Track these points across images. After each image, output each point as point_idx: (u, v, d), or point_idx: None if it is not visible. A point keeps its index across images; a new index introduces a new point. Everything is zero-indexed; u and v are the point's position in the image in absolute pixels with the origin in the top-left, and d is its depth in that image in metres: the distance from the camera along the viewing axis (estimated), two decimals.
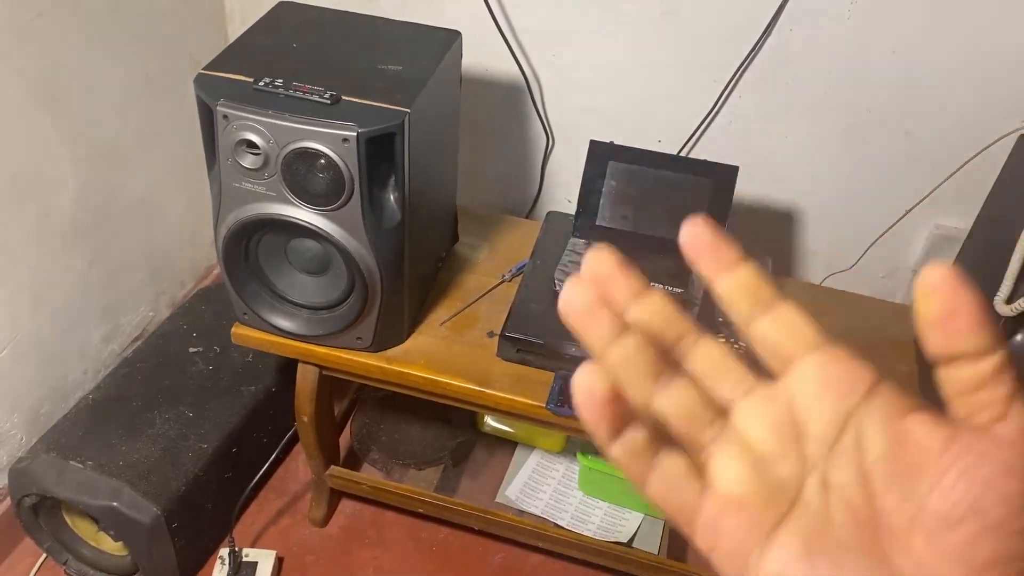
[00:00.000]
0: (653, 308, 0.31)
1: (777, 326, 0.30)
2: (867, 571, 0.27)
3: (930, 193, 1.44)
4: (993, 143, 1.35)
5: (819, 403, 0.29)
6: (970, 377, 0.27)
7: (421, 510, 1.45)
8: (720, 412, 0.30)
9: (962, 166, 1.39)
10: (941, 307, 0.27)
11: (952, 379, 0.27)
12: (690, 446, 0.30)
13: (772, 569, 0.28)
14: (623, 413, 0.30)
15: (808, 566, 0.28)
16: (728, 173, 1.27)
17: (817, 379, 0.29)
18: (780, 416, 0.30)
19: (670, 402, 0.30)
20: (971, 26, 1.29)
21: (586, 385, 0.29)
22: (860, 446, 0.28)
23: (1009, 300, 0.99)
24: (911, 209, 1.46)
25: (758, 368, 0.31)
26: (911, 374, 1.31)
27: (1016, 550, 0.26)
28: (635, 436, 0.30)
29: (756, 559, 0.29)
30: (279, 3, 1.27)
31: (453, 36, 1.23)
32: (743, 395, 0.30)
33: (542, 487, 1.50)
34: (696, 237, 0.30)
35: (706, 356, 0.31)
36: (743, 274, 0.30)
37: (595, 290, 0.30)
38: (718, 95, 1.46)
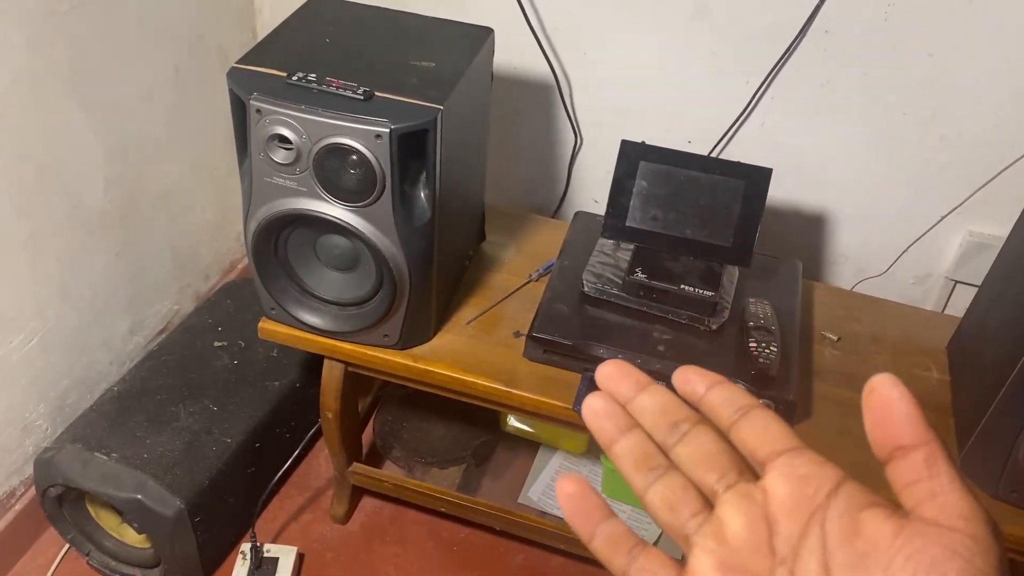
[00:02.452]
0: (658, 398, 0.36)
1: (754, 430, 0.34)
2: None
3: (965, 200, 1.42)
4: None
5: (788, 502, 0.32)
6: (909, 469, 0.31)
7: (442, 509, 1.44)
8: (705, 502, 0.34)
9: (999, 173, 1.37)
10: (878, 405, 0.31)
11: (895, 473, 0.31)
12: (674, 534, 0.34)
13: None
14: (599, 509, 0.34)
15: None
16: (761, 175, 1.25)
17: (788, 480, 0.33)
18: (755, 512, 0.33)
19: (656, 495, 0.34)
20: (1009, 29, 1.27)
21: (568, 490, 0.35)
22: (823, 540, 0.31)
23: None
24: (945, 216, 1.44)
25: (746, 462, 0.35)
26: (942, 381, 1.29)
27: None
28: (611, 531, 0.34)
29: None
30: None
31: (485, 33, 1.22)
32: (725, 488, 0.34)
33: None
34: (685, 376, 0.36)
35: (700, 445, 0.34)
36: (726, 389, 0.35)
37: (611, 399, 0.36)
38: (750, 96, 1.44)
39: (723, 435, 0.35)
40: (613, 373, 0.36)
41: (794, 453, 0.33)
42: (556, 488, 0.35)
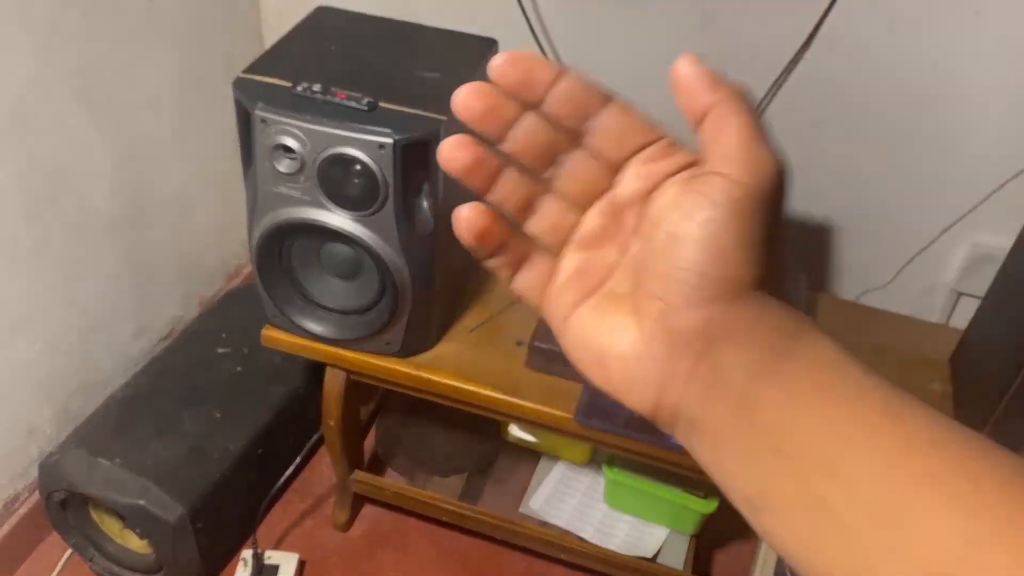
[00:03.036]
0: (533, 122, 0.35)
1: (613, 124, 0.36)
2: (621, 306, 0.35)
3: (969, 211, 1.41)
4: None
5: (637, 191, 0.35)
6: (704, 130, 0.32)
7: (444, 518, 1.44)
8: (579, 214, 0.37)
9: (1003, 184, 1.37)
10: (678, 80, 0.33)
11: (699, 140, 0.33)
12: (553, 247, 0.37)
13: (572, 320, 0.36)
14: (497, 237, 0.37)
15: (590, 311, 0.36)
16: None
17: (638, 172, 0.35)
18: (613, 211, 0.36)
19: (544, 222, 0.37)
20: (1014, 41, 1.26)
21: (465, 214, 0.36)
22: (641, 221, 0.35)
23: None
24: (949, 227, 1.44)
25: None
26: (945, 393, 1.28)
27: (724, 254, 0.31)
28: (504, 257, 0.37)
29: (567, 316, 0.36)
30: (317, 8, 1.28)
31: (489, 44, 1.23)
32: (595, 196, 0.37)
33: (566, 499, 1.49)
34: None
35: (574, 162, 0.36)
36: (575, 84, 0.35)
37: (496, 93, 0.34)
38: (755, 107, 1.44)
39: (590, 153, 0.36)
40: (503, 70, 0.35)
41: (653, 144, 0.35)
42: (455, 214, 0.37)
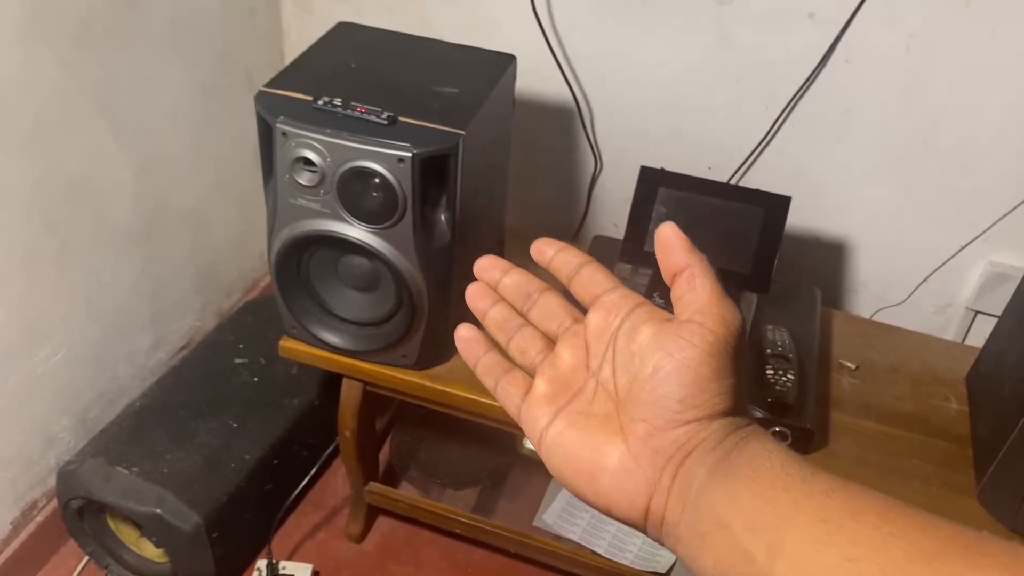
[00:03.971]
0: (516, 278, 0.47)
1: (584, 281, 0.44)
2: (604, 427, 0.41)
3: (986, 230, 1.41)
4: None
5: (597, 328, 0.43)
6: (678, 287, 0.40)
7: (457, 530, 1.44)
8: (549, 344, 0.46)
9: (1020, 204, 1.37)
10: (660, 242, 0.41)
11: (673, 294, 0.41)
12: (527, 369, 0.46)
13: (550, 432, 0.42)
14: (483, 349, 0.46)
15: (569, 427, 0.42)
16: (781, 203, 1.26)
17: (598, 312, 0.43)
18: (579, 343, 0.44)
19: (514, 346, 0.46)
20: None
21: (463, 334, 0.47)
22: (614, 350, 0.42)
23: None
24: (965, 245, 1.44)
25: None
26: (961, 412, 1.28)
27: (694, 396, 0.38)
28: (488, 361, 0.46)
29: (545, 428, 0.43)
30: (338, 24, 1.29)
31: (508, 60, 1.24)
32: (563, 332, 0.45)
33: (580, 512, 1.49)
34: (538, 247, 0.47)
35: (545, 306, 0.46)
36: (567, 253, 0.46)
37: (483, 284, 0.48)
38: (770, 124, 1.45)
39: (564, 296, 0.46)
40: (485, 264, 0.48)
41: (608, 292, 0.43)
42: (455, 333, 0.47)
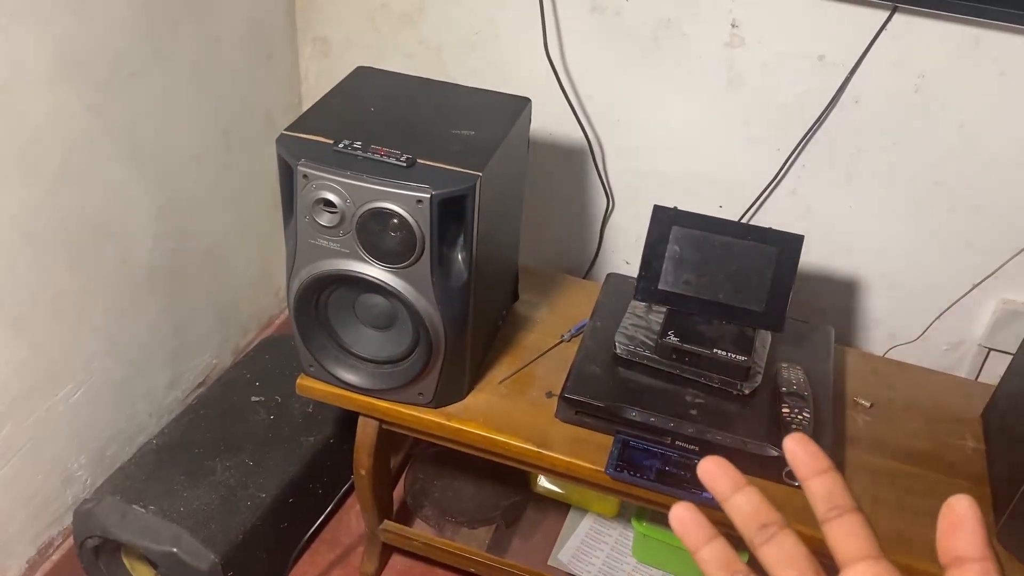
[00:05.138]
0: (752, 499, 0.39)
1: (843, 531, 0.37)
2: None
3: (998, 269, 1.42)
4: None
5: None
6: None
7: (472, 569, 1.44)
8: None
9: None
10: (951, 517, 0.35)
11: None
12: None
13: None
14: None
15: None
16: (793, 242, 1.27)
17: None
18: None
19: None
20: None
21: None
22: None
23: None
24: (978, 284, 1.45)
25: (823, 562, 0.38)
26: (978, 451, 1.28)
27: None
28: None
29: None
30: (357, 68, 1.32)
31: (523, 103, 1.27)
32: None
33: (595, 552, 1.48)
34: (795, 448, 0.39)
35: (783, 547, 0.38)
36: (830, 481, 0.38)
37: (695, 509, 0.39)
38: (782, 163, 1.47)
39: (803, 540, 0.38)
40: (714, 471, 0.40)
41: (870, 562, 0.36)
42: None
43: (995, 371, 1.44)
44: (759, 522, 0.39)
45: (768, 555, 0.38)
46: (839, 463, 1.21)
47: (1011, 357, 1.31)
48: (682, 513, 0.39)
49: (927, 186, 1.41)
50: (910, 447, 1.27)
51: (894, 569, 0.36)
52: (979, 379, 1.53)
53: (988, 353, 1.52)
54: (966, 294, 1.46)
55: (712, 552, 0.38)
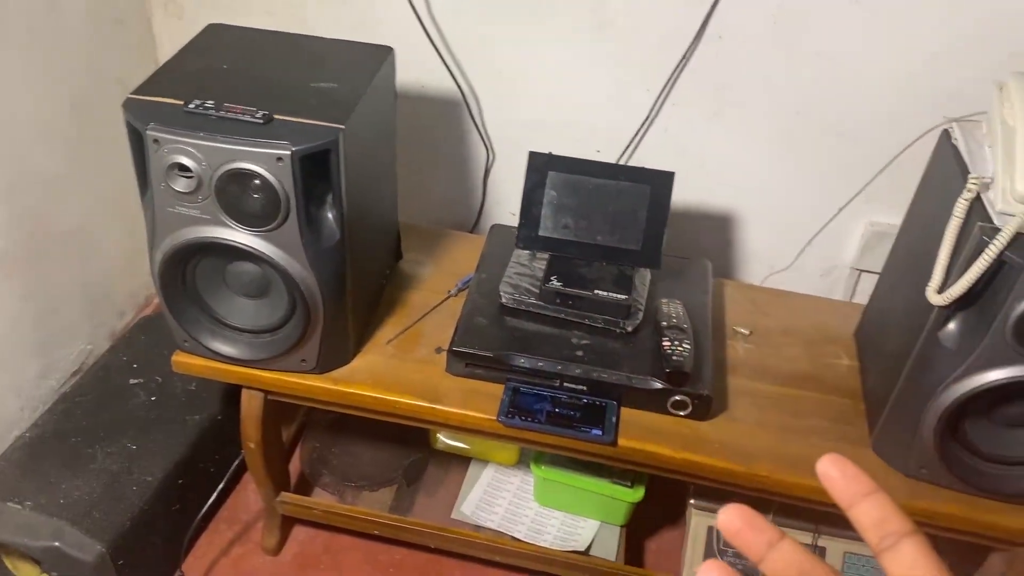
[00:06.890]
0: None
1: (906, 562, 0.35)
2: None
3: (861, 190, 1.47)
4: (917, 139, 1.39)
5: None
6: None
7: (376, 532, 1.43)
8: None
9: (889, 163, 1.43)
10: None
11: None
12: None
13: None
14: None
15: None
16: (665, 178, 1.28)
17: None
18: None
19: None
20: (894, 25, 1.32)
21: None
22: None
23: (940, 290, 1.02)
24: (844, 207, 1.50)
25: None
26: (853, 368, 1.33)
27: None
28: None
29: None
30: (208, 25, 1.26)
31: (385, 52, 1.23)
32: None
33: (497, 501, 1.49)
34: (830, 472, 0.37)
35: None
36: (879, 504, 0.36)
37: (726, 568, 0.36)
38: (652, 103, 1.48)
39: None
40: (739, 525, 0.37)
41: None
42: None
43: (867, 292, 1.50)
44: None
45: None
46: (722, 390, 1.25)
47: (879, 277, 1.37)
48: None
49: (790, 116, 1.44)
50: (790, 370, 1.32)
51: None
52: (853, 300, 1.59)
53: (860, 275, 1.58)
54: (834, 218, 1.52)
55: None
